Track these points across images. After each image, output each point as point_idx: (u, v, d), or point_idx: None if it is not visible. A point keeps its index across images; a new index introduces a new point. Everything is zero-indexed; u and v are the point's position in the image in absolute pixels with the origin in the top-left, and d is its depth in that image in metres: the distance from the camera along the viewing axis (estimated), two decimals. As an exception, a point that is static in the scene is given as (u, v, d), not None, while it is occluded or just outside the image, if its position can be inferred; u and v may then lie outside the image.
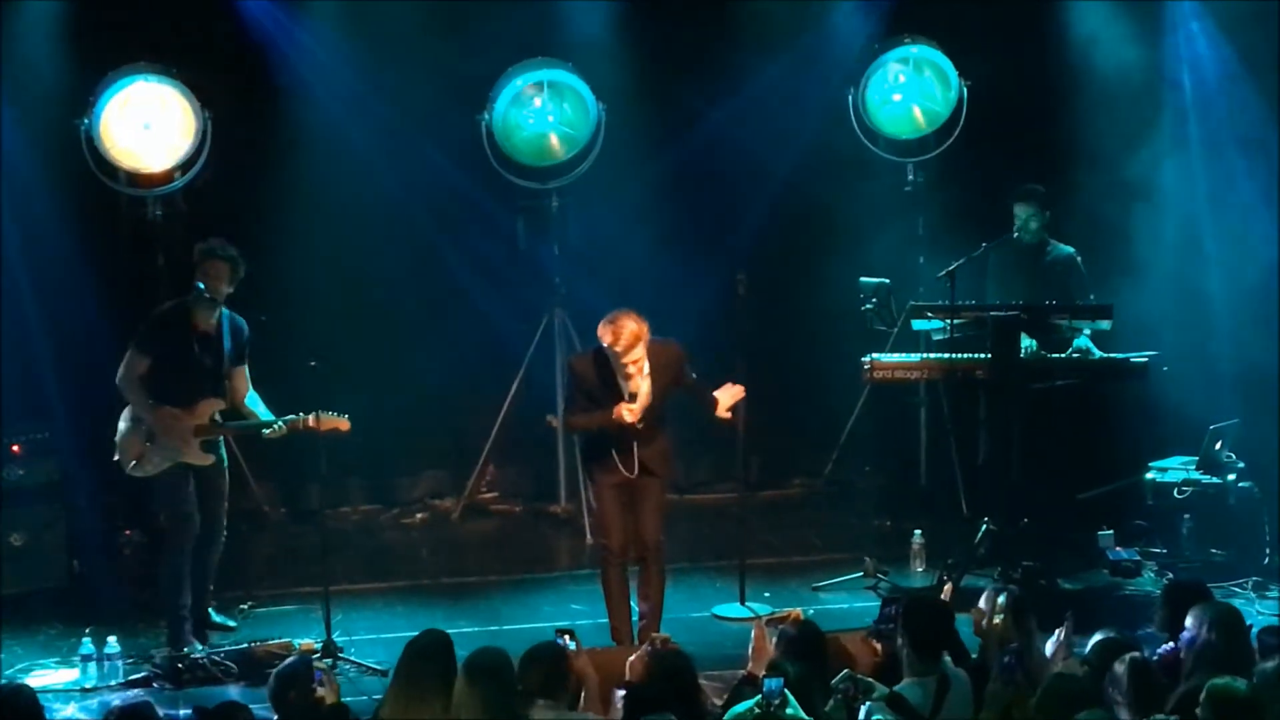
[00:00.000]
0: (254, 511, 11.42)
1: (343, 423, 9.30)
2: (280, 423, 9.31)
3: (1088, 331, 10.42)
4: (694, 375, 9.12)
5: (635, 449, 8.98)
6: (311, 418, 9.21)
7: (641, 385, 8.90)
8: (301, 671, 6.97)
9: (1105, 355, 10.45)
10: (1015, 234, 10.85)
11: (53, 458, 10.42)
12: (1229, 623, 6.99)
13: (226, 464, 9.56)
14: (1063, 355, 10.44)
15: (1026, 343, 10.33)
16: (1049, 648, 7.37)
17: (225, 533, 9.59)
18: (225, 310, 9.32)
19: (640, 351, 8.81)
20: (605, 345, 8.81)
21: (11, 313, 10.71)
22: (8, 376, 10.61)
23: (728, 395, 9.21)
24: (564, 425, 9.61)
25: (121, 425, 9.34)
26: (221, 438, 9.48)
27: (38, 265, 10.79)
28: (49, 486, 10.39)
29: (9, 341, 10.65)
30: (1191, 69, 11.65)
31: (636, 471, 9.00)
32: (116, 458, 9.37)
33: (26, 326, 10.73)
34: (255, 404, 9.47)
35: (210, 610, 9.66)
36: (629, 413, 8.82)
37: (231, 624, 9.66)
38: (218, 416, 9.40)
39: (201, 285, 9.19)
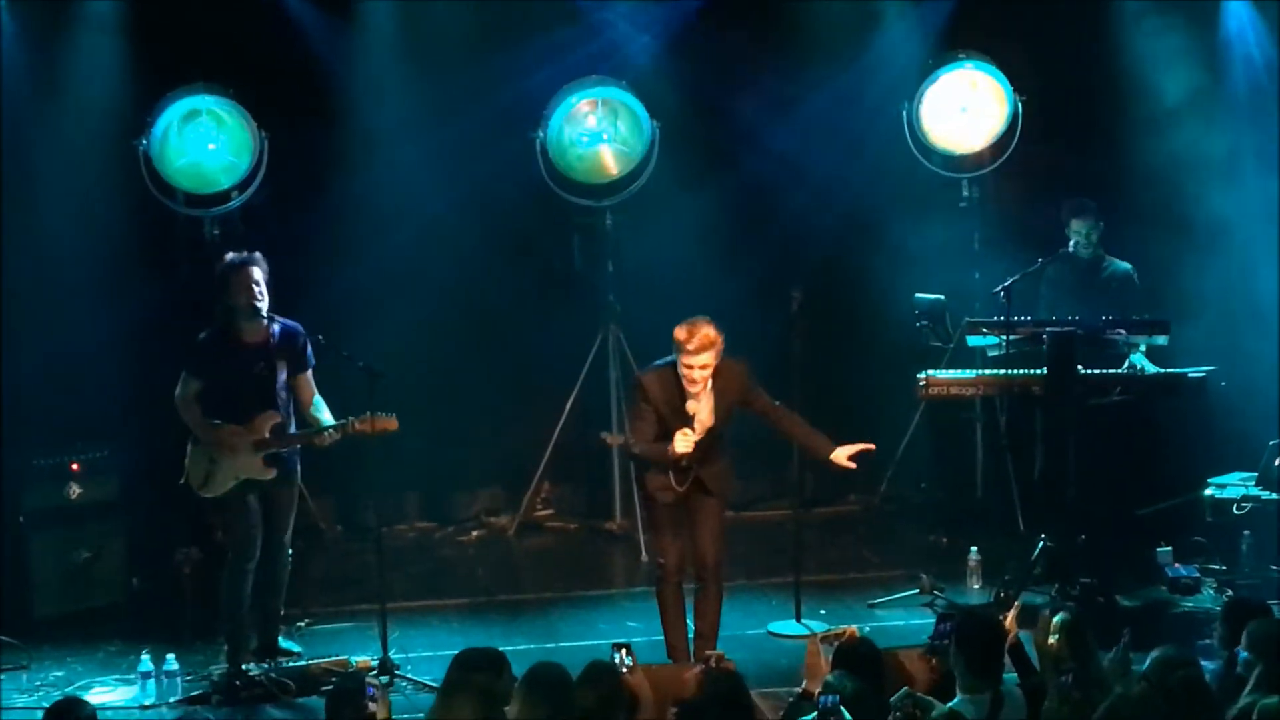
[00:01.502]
0: (311, 529, 11.46)
1: (391, 422, 9.20)
2: (331, 428, 9.28)
3: (1143, 348, 10.37)
4: (764, 394, 9.01)
5: (693, 471, 8.90)
6: (359, 421, 9.17)
7: (702, 406, 8.82)
8: (355, 689, 7.00)
9: (1162, 370, 10.41)
10: (1071, 249, 10.83)
11: (112, 476, 10.49)
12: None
13: (299, 477, 9.55)
14: (1119, 371, 10.41)
15: (1137, 359, 10.34)
16: (1107, 665, 7.33)
17: (291, 550, 9.58)
18: (277, 320, 9.30)
19: (709, 359, 8.69)
20: (676, 342, 8.69)
21: (70, 331, 10.80)
22: (67, 395, 10.70)
23: (851, 450, 9.03)
24: (626, 448, 9.57)
25: (188, 447, 9.36)
26: (295, 449, 9.46)
27: (96, 284, 10.87)
28: (108, 504, 10.47)
29: (68, 360, 10.74)
30: (1248, 84, 11.58)
31: (688, 485, 8.91)
32: (184, 480, 9.38)
33: (84, 345, 10.81)
34: (320, 411, 9.41)
35: (279, 638, 9.64)
36: (683, 442, 8.68)
37: (297, 649, 9.64)
38: (286, 429, 9.36)
39: (233, 301, 9.19)
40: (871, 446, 9.10)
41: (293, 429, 9.38)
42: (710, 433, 8.88)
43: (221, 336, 9.29)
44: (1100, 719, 6.47)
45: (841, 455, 9.04)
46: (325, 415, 9.38)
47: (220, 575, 9.47)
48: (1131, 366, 10.36)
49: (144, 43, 10.86)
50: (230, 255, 9.37)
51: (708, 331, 8.68)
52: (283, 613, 9.66)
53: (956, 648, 7.07)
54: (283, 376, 9.31)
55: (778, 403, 9.07)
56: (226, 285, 9.20)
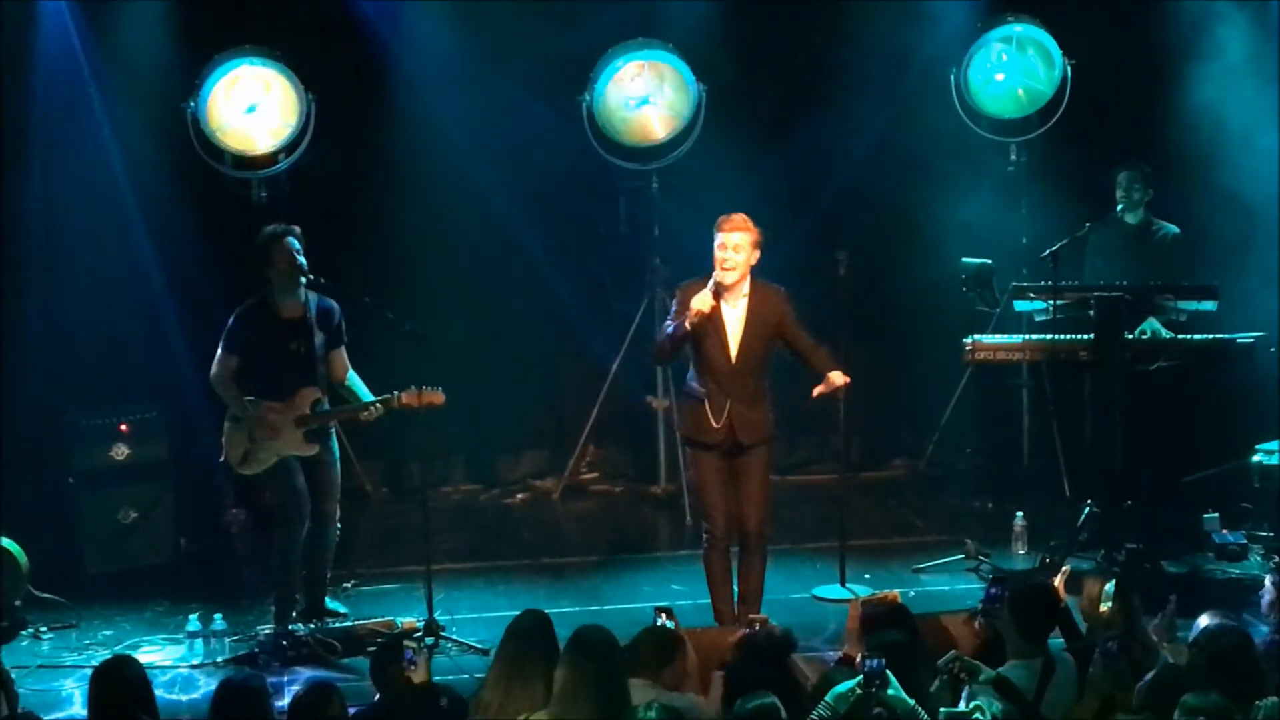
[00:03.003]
0: (356, 491, 11.51)
1: (438, 396, 9.21)
2: (376, 403, 9.31)
3: (1182, 316, 10.31)
4: (802, 327, 9.01)
5: (729, 403, 8.88)
6: (406, 395, 9.19)
7: (733, 318, 8.84)
8: (400, 649, 7.05)
9: (1210, 336, 10.34)
10: (1119, 209, 10.77)
11: (160, 436, 10.56)
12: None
13: (338, 454, 9.57)
14: (1173, 336, 10.35)
15: (1150, 324, 10.27)
16: (1153, 631, 7.32)
17: (340, 525, 9.61)
18: (314, 295, 9.30)
19: (740, 239, 8.80)
20: (715, 229, 8.83)
21: (118, 293, 10.86)
22: (116, 356, 10.77)
23: (836, 379, 9.04)
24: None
25: (226, 424, 9.39)
26: (333, 426, 9.49)
27: (145, 246, 10.91)
28: (157, 465, 10.54)
29: (117, 322, 10.81)
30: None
31: (723, 424, 8.89)
32: (224, 457, 9.42)
33: (133, 307, 10.87)
34: (356, 384, 9.45)
35: (325, 599, 9.67)
36: (702, 299, 8.72)
37: (344, 610, 9.68)
38: (323, 404, 9.39)
39: (268, 276, 9.22)
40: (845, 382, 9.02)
41: (326, 404, 9.42)
42: (745, 359, 8.88)
43: (260, 311, 9.31)
44: (1147, 686, 6.47)
45: (823, 387, 9.02)
46: (361, 389, 9.42)
47: (269, 538, 9.53)
48: (1144, 333, 10.29)
49: (191, 5, 10.87)
50: (270, 227, 9.38)
51: (743, 216, 8.85)
52: (330, 575, 9.71)
53: (1010, 613, 7.07)
54: (319, 351, 9.34)
55: (812, 340, 9.07)
56: (269, 257, 9.22)
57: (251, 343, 9.27)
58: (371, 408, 9.32)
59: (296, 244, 9.21)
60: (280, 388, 9.27)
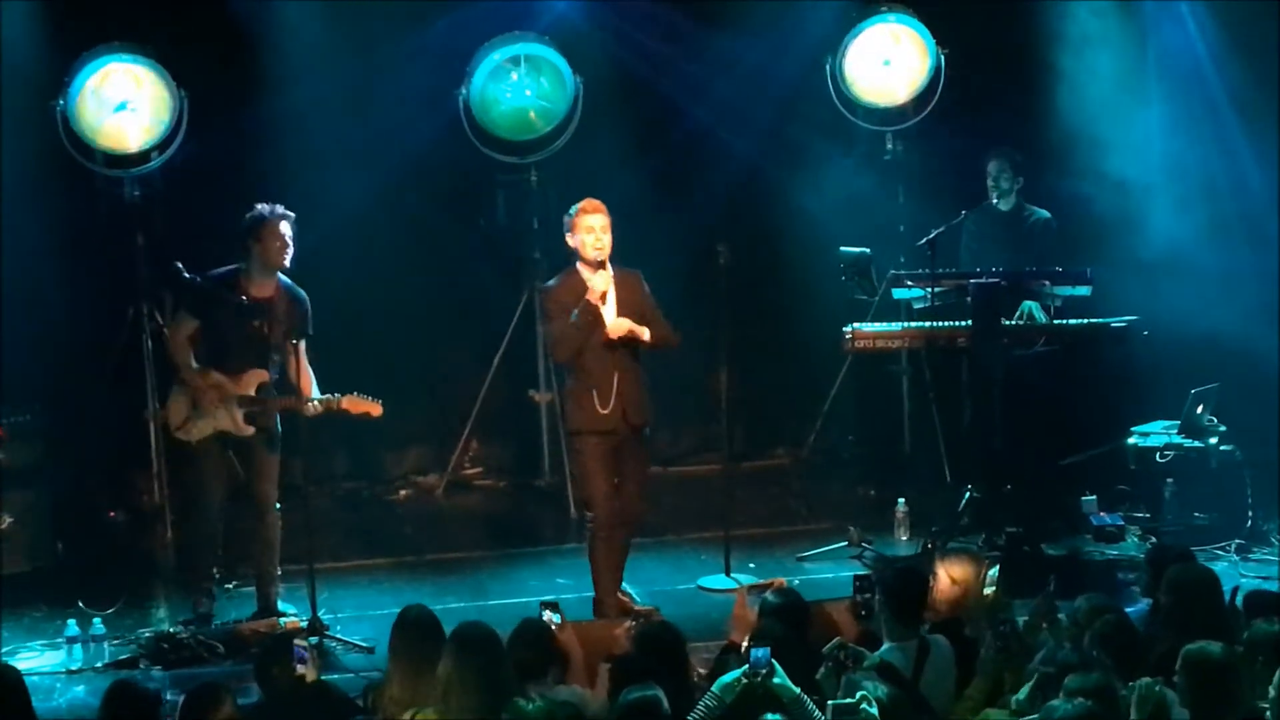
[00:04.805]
0: (235, 489, 11.36)
1: (375, 407, 9.26)
2: (316, 401, 9.23)
3: (1057, 301, 10.42)
4: (658, 311, 9.17)
5: (616, 384, 8.98)
6: (347, 399, 9.20)
7: (609, 309, 8.98)
8: (283, 649, 7.00)
9: (1085, 320, 10.46)
10: (993, 198, 10.87)
11: (35, 440, 10.38)
12: (1198, 587, 7.03)
13: (279, 436, 9.46)
14: (1049, 320, 10.46)
15: (1028, 305, 10.37)
16: (1032, 613, 7.41)
17: (279, 506, 9.51)
18: (285, 280, 9.26)
19: (605, 220, 9.04)
20: (572, 217, 9.08)
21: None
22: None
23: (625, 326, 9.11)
24: (553, 356, 9.58)
25: (173, 389, 9.33)
26: (277, 413, 9.39)
27: (12, 247, 10.70)
28: (31, 469, 10.36)
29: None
30: (1175, 33, 11.62)
31: (612, 406, 8.96)
32: (162, 420, 9.34)
33: (5, 308, 10.68)
34: (309, 381, 9.39)
35: (278, 600, 9.55)
36: (598, 279, 8.95)
37: (293, 610, 9.47)
38: (272, 390, 9.32)
39: (252, 253, 9.19)
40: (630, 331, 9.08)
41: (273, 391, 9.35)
42: (623, 341, 8.98)
43: (229, 280, 9.23)
44: (1037, 667, 6.56)
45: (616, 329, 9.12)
46: (312, 385, 9.33)
47: (148, 540, 9.43)
48: (1022, 315, 10.41)
49: (59, 2, 10.70)
50: (265, 206, 9.31)
51: (599, 203, 9.10)
52: (279, 573, 9.59)
53: (884, 599, 7.16)
54: (278, 338, 9.25)
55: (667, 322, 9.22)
56: (258, 235, 9.18)
57: (213, 311, 9.21)
58: (311, 404, 9.24)
59: (290, 230, 9.19)
60: (232, 363, 9.22)
